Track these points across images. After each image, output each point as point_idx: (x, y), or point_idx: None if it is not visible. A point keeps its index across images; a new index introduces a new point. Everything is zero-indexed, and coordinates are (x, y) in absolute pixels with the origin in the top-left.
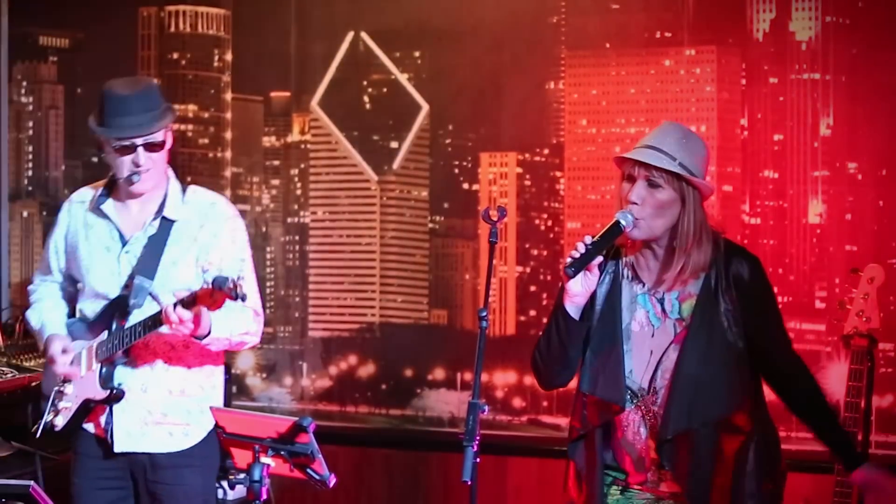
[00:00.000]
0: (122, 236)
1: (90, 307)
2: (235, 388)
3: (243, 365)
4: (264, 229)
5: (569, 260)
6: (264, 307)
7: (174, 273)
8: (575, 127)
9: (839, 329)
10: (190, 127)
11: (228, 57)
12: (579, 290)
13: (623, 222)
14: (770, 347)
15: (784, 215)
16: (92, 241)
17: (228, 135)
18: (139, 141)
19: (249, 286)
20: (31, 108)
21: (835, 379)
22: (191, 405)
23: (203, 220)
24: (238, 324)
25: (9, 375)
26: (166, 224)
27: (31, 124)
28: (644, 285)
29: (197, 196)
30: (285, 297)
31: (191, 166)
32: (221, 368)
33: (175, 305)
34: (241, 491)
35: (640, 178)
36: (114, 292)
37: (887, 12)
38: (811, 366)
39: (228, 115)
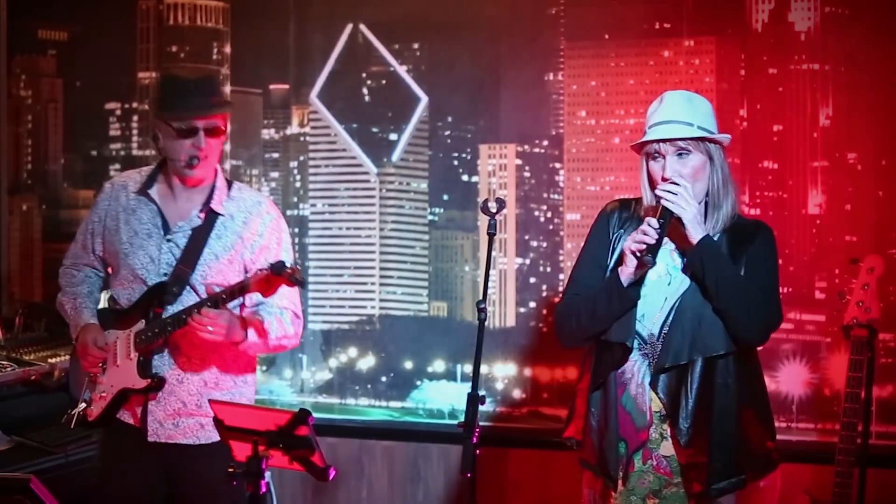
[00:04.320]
0: (165, 224)
1: (124, 293)
2: None
3: None
4: None
5: (643, 246)
6: (305, 311)
7: (216, 266)
8: (574, 118)
9: (839, 320)
10: None
11: (227, 49)
12: (644, 269)
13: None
14: None
15: (784, 206)
16: (133, 225)
17: (227, 127)
18: (200, 124)
19: (291, 290)
20: (30, 101)
21: (835, 370)
22: (223, 399)
23: (247, 218)
24: (276, 327)
25: (8, 369)
26: (212, 217)
27: (30, 118)
28: (666, 239)
29: (243, 193)
30: None
31: None
32: (255, 363)
33: (205, 304)
34: (240, 484)
35: (668, 154)
36: (150, 279)
37: (887, 2)
38: (811, 356)
39: None
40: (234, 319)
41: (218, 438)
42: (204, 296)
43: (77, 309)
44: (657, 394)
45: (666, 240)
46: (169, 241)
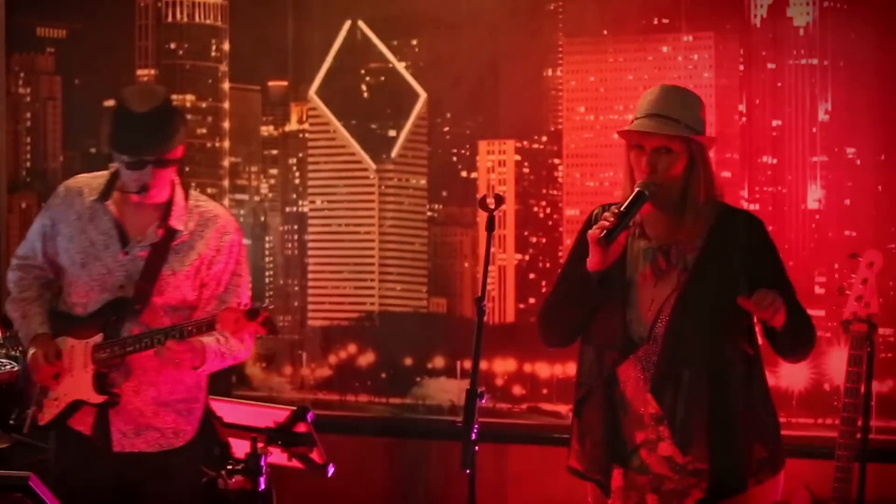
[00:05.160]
0: (123, 236)
1: (79, 301)
2: (235, 378)
3: None
4: (263, 219)
5: (603, 232)
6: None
7: (173, 282)
8: (573, 114)
9: (838, 315)
10: (188, 117)
11: (226, 46)
12: (607, 259)
13: (646, 192)
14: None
15: (783, 201)
16: (90, 234)
17: (226, 124)
18: (149, 158)
19: (244, 301)
20: (28, 99)
21: (834, 365)
22: (179, 406)
23: (204, 232)
24: (233, 345)
25: (8, 367)
26: (170, 233)
27: (28, 116)
28: (651, 240)
29: (199, 206)
30: (284, 286)
31: (189, 156)
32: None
33: (171, 334)
34: (239, 481)
35: (650, 147)
36: (106, 290)
37: None
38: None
39: (226, 105)
40: (195, 348)
41: (178, 444)
42: (163, 314)
43: (27, 317)
44: (654, 401)
45: (649, 240)
46: (126, 254)
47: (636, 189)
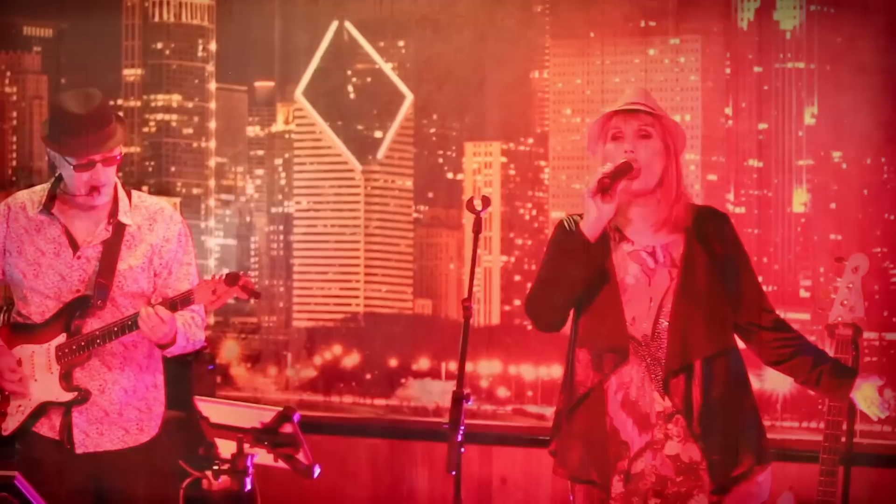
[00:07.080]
0: (73, 241)
1: (36, 311)
2: (220, 378)
3: (228, 355)
4: (248, 219)
5: (601, 175)
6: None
7: (130, 276)
8: (559, 116)
9: (824, 318)
10: (174, 117)
11: (213, 47)
12: (604, 216)
13: (633, 164)
14: (749, 304)
15: (769, 204)
16: (39, 244)
17: (212, 124)
18: (98, 157)
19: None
20: (15, 98)
21: None
22: (141, 404)
23: (152, 225)
24: (192, 330)
25: None
26: (119, 228)
27: (15, 115)
28: (634, 244)
29: (144, 201)
30: (270, 286)
31: (175, 156)
32: (161, 367)
33: (154, 307)
34: (225, 481)
35: (630, 130)
36: (63, 296)
37: (871, 0)
38: None
39: (212, 105)
40: (172, 322)
41: (143, 440)
42: (123, 307)
43: None
44: (667, 396)
45: (631, 243)
46: (79, 257)
47: (621, 160)
